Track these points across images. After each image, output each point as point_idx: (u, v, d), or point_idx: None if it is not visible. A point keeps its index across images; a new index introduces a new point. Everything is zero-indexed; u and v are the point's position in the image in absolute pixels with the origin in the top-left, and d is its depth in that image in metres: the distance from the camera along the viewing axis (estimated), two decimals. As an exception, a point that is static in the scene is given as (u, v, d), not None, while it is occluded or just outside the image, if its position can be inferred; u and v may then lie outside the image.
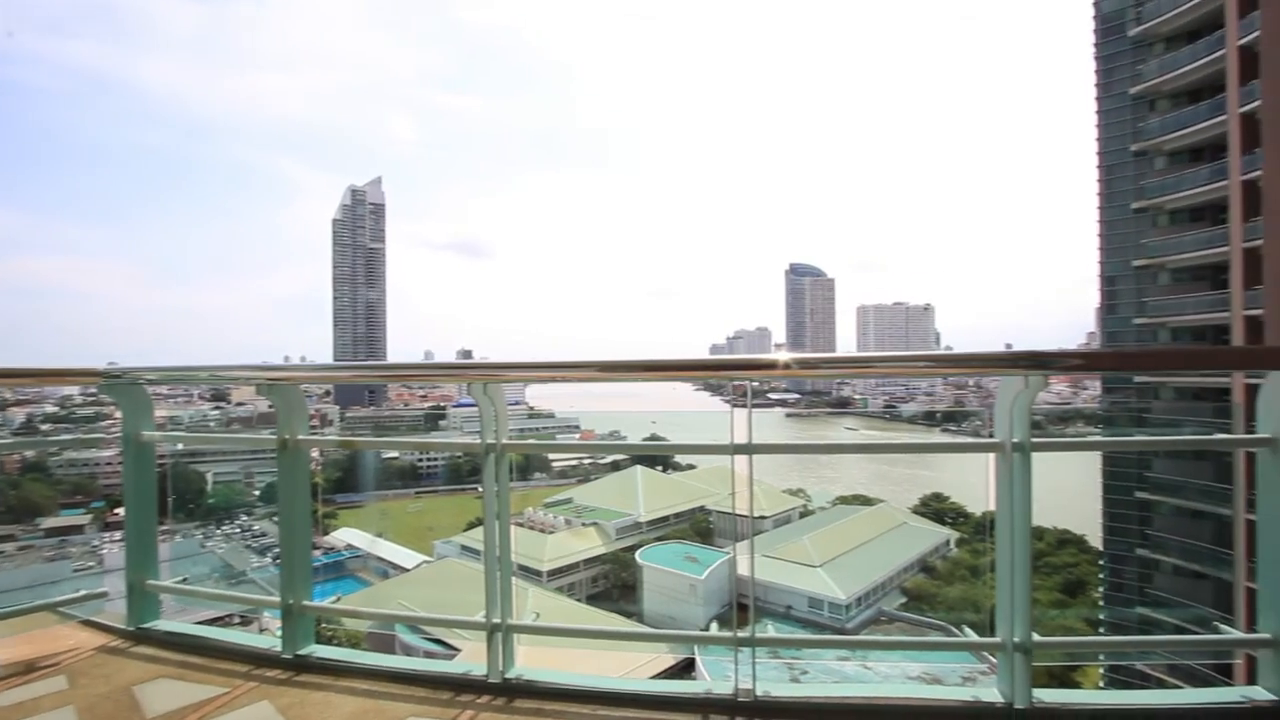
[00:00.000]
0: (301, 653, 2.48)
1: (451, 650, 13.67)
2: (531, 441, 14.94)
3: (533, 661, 2.36)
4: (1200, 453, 20.00)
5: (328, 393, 43.70)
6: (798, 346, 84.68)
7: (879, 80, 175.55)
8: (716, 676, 2.26)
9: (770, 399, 47.46)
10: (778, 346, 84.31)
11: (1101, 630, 24.08)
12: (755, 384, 2.37)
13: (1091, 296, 26.28)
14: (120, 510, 2.87)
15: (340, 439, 4.87)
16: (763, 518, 25.75)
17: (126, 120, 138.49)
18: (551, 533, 26.41)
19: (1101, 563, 24.24)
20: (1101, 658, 16.97)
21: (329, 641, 2.59)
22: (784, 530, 26.01)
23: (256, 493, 29.17)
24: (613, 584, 24.87)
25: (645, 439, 25.65)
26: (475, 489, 2.22)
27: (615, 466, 31.33)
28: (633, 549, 24.96)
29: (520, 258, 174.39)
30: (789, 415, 51.11)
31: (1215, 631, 2.30)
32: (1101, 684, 18.10)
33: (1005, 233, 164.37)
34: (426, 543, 27.57)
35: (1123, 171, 24.63)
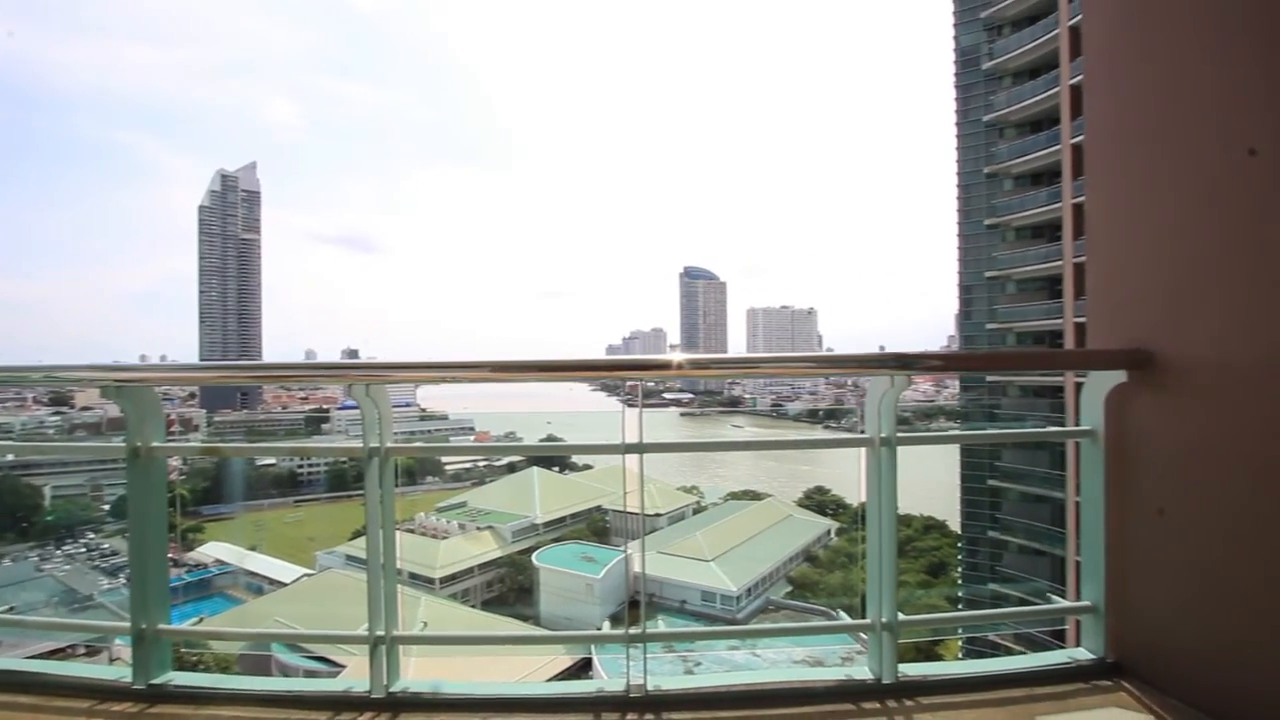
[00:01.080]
0: (156, 681, 2.23)
1: (337, 668, 12.82)
2: (418, 445, 14.28)
3: (427, 673, 2.26)
4: (1040, 443, 22.46)
5: (193, 395, 39.80)
6: (692, 347, 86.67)
7: (763, 97, 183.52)
8: (613, 674, 2.27)
9: (665, 399, 48.22)
10: (672, 347, 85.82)
11: (960, 606, 26.50)
12: (650, 384, 2.42)
13: (952, 303, 28.94)
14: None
15: (204, 445, 4.49)
16: (658, 515, 26.09)
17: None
18: (444, 538, 25.41)
19: (960, 545, 26.71)
20: (960, 631, 18.66)
21: (194, 668, 2.37)
22: (678, 526, 26.44)
23: (106, 507, 26.01)
24: (509, 588, 24.29)
25: (542, 440, 25.30)
26: (361, 495, 2.09)
27: (511, 468, 30.67)
28: (529, 551, 24.53)
29: (413, 254, 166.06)
30: (683, 414, 52.18)
31: (1049, 602, 2.61)
32: (960, 655, 19.90)
33: (880, 242, 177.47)
34: (308, 554, 25.64)
35: (978, 191, 27.29)
